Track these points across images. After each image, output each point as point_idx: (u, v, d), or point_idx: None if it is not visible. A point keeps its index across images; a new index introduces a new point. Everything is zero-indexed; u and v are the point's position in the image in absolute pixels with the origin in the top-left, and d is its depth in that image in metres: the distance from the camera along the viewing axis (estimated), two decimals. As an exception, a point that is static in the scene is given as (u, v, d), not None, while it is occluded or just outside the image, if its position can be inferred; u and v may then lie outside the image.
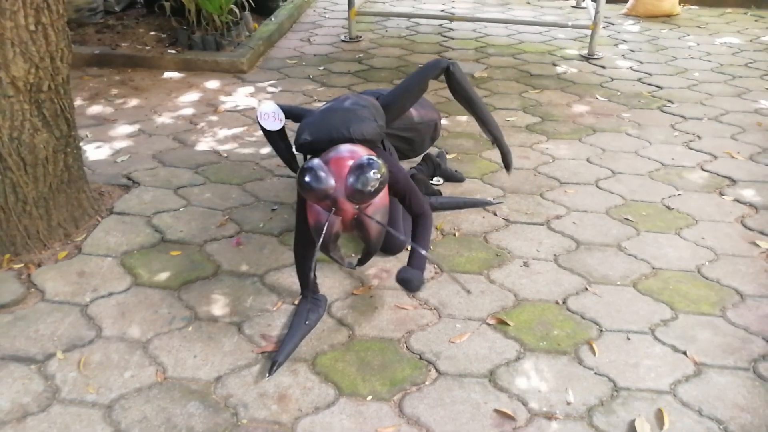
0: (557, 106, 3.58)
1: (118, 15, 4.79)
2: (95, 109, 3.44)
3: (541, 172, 2.87)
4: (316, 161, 1.70)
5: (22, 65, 1.99)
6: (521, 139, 3.18)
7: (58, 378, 1.74)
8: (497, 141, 2.32)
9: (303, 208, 1.89)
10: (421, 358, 1.84)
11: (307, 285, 1.96)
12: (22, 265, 2.16)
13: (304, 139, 1.95)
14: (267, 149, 3.01)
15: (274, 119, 2.17)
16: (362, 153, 1.77)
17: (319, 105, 3.66)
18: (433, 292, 2.09)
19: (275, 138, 2.31)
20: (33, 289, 2.06)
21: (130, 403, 1.68)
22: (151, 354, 1.84)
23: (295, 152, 2.21)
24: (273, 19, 4.75)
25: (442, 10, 5.57)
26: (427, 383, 1.76)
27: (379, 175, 1.67)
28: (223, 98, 3.65)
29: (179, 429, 1.61)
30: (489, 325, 1.97)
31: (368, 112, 1.98)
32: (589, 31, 4.46)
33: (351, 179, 1.66)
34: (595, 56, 4.39)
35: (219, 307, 2.02)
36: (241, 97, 3.67)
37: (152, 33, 4.40)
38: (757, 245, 2.37)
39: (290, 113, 2.26)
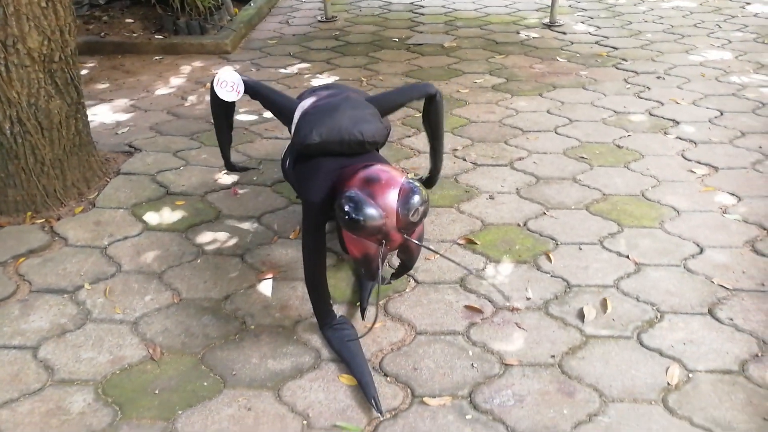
0: (521, 69, 3.88)
1: (104, 7, 5.02)
2: (91, 90, 3.68)
3: (506, 123, 3.17)
4: (358, 194, 1.55)
5: (36, 37, 2.24)
6: (488, 97, 3.48)
7: (88, 303, 2.01)
8: (435, 168, 2.22)
9: (319, 235, 1.78)
10: (401, 273, 2.14)
11: (329, 313, 1.87)
12: (43, 220, 2.42)
13: (313, 140, 1.77)
14: (252, 115, 3.28)
15: (231, 89, 2.01)
16: (394, 174, 1.61)
17: (300, 88, 3.91)
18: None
19: (221, 112, 2.12)
20: (57, 238, 2.32)
21: (152, 319, 1.96)
22: (166, 282, 2.11)
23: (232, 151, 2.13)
24: (252, 3, 5.00)
25: (413, -10, 5.85)
26: (407, 290, 2.05)
27: (425, 201, 1.58)
28: (210, 76, 3.91)
29: (196, 335, 1.89)
30: (459, 244, 2.26)
31: (373, 113, 1.87)
32: (549, 1, 4.76)
33: (403, 211, 1.55)
34: (557, 24, 4.69)
35: (223, 243, 2.30)
36: (228, 74, 3.94)
37: (138, 21, 4.64)
38: (694, 172, 2.69)
39: (253, 90, 2.05)
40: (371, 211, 1.53)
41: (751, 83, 3.57)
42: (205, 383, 1.73)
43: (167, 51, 4.25)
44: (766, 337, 1.83)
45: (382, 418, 1.62)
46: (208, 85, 3.74)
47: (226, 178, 2.70)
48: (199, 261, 2.20)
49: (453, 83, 3.68)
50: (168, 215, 2.46)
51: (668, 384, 1.68)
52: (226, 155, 2.26)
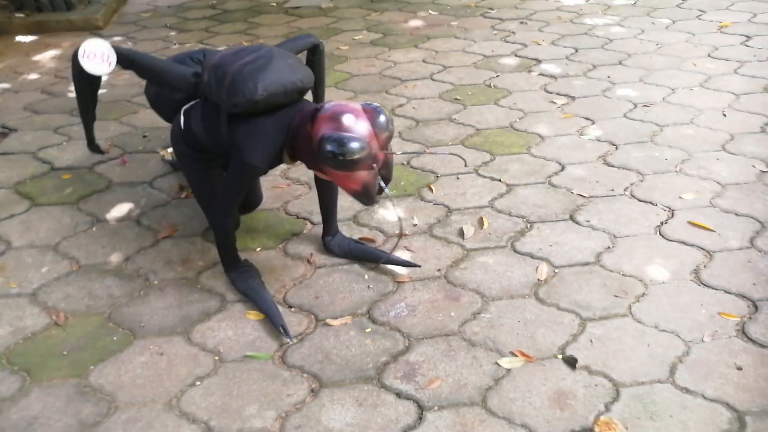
0: (396, 23, 4.05)
1: (-48, -11, 4.65)
2: (-49, 78, 3.46)
3: (385, 75, 3.33)
4: (338, 134, 1.60)
5: None
6: (367, 52, 3.62)
7: (-20, 282, 1.98)
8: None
9: (242, 193, 1.84)
10: (297, 217, 2.26)
11: (235, 258, 1.96)
12: None
13: (260, 95, 1.71)
14: (133, 88, 3.23)
15: (102, 61, 1.81)
16: (350, 104, 1.69)
17: (175, 51, 3.86)
18: (304, 172, 2.50)
19: (86, 87, 1.97)
20: (-65, 224, 2.24)
21: (52, 288, 1.97)
22: (63, 252, 2.11)
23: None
24: (120, -23, 4.82)
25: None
26: (304, 231, 2.18)
27: (387, 115, 1.67)
28: (83, 54, 3.77)
29: (100, 297, 1.93)
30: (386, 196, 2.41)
31: (299, 60, 1.88)
32: (420, -41, 4.94)
33: (379, 131, 1.64)
34: (428, -20, 4.89)
35: (117, 210, 2.31)
36: (102, 50, 3.81)
37: (-5, 1, 4.35)
38: (555, 102, 2.98)
39: (128, 59, 1.86)
40: (356, 144, 1.59)
41: (601, 23, 3.94)
42: (115, 338, 1.78)
43: (32, 30, 4.03)
44: (615, 231, 2.12)
45: (291, 343, 1.75)
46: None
47: (113, 150, 2.68)
48: (94, 229, 2.21)
49: (333, 41, 3.78)
50: (55, 189, 2.42)
51: (538, 280, 1.93)
52: (90, 135, 2.13)
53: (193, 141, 1.93)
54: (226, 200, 1.84)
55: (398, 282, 1.94)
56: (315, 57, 2.10)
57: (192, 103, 1.95)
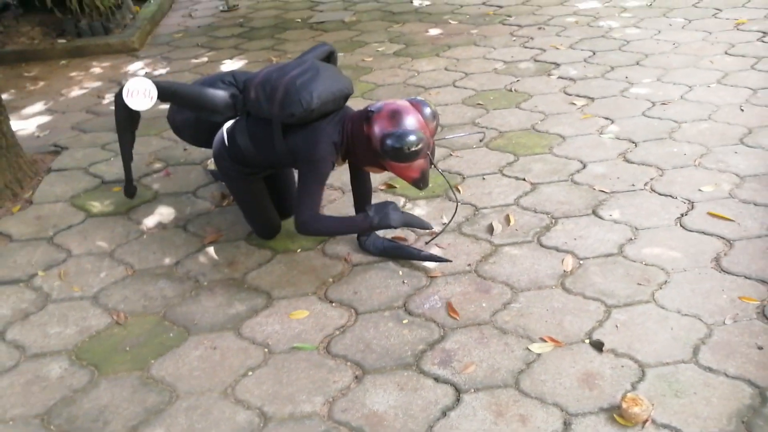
0: (417, 34, 4.19)
1: (-5, 19, 4.92)
2: None
3: (410, 83, 3.47)
4: (398, 130, 1.79)
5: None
6: (390, 62, 3.76)
7: (45, 287, 2.15)
8: None
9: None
10: (332, 220, 2.39)
11: (358, 221, 2.01)
12: (-18, 223, 2.51)
13: (315, 104, 1.87)
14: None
15: (144, 96, 1.97)
16: (399, 101, 1.88)
17: (211, 71, 4.03)
18: (337, 177, 2.63)
19: (128, 124, 2.13)
20: None
21: (111, 291, 2.13)
22: (118, 258, 2.27)
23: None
24: (151, 1, 5.05)
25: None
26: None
27: (431, 104, 1.88)
28: (123, 74, 3.98)
29: (155, 298, 2.08)
30: (381, 190, 2.54)
31: (338, 69, 2.06)
32: (437, -30, 5.08)
33: (429, 120, 1.85)
34: (446, -10, 5.03)
35: (164, 218, 2.47)
36: (140, 70, 4.03)
37: (37, 27, 4.60)
38: (575, 104, 3.08)
39: (169, 91, 2.00)
40: (414, 137, 1.78)
41: (617, 25, 4.03)
42: (171, 335, 1.93)
43: (73, 54, 4.26)
44: (636, 224, 2.22)
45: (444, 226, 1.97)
46: (123, 82, 3.83)
47: (157, 163, 2.85)
48: (145, 237, 2.37)
49: (357, 54, 3.94)
50: (107, 201, 2.60)
51: (564, 271, 2.03)
52: (129, 175, 2.29)
53: (238, 156, 2.08)
54: (309, 201, 1.94)
55: (431, 277, 2.06)
56: (330, 61, 2.28)
57: (232, 122, 2.10)
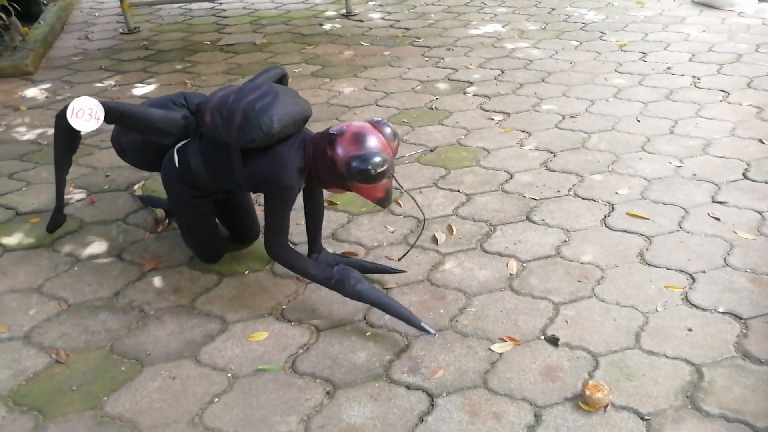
0: (332, 55, 4.26)
1: None
2: None
3: (332, 103, 3.51)
4: (362, 153, 1.78)
5: None
6: (310, 83, 3.79)
7: (-34, 331, 1.95)
8: None
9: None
10: (277, 240, 2.37)
11: (325, 269, 1.98)
12: None
13: (276, 128, 1.84)
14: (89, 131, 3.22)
15: (90, 117, 1.86)
16: (359, 123, 1.88)
17: (126, 99, 3.87)
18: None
19: (67, 148, 2.01)
20: None
21: (45, 329, 1.97)
22: (47, 293, 2.11)
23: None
24: (42, 22, 4.74)
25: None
26: (287, 252, 2.30)
27: (390, 124, 1.93)
28: (20, 99, 3.70)
29: (98, 332, 1.95)
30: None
31: (296, 92, 2.02)
32: (343, -6, 5.21)
33: (391, 141, 1.87)
34: (353, 13, 5.15)
35: (96, 248, 2.33)
36: (39, 94, 3.76)
37: None
38: (493, 119, 3.27)
39: (118, 112, 1.88)
40: (380, 157, 1.78)
41: (519, 46, 4.33)
42: (123, 368, 1.82)
43: (-43, 79, 3.90)
44: (567, 227, 2.39)
45: (435, 336, 1.86)
46: (22, 108, 3.55)
47: (77, 192, 2.68)
48: (76, 268, 2.22)
49: (275, 75, 3.92)
50: (26, 234, 2.40)
51: (510, 274, 2.15)
52: (60, 202, 2.15)
53: (189, 179, 2.01)
54: (280, 230, 1.92)
55: (387, 288, 2.10)
56: (282, 84, 2.26)
57: (183, 142, 2.04)
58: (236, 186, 1.98)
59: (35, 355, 1.87)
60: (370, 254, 2.27)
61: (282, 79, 2.23)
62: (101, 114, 1.86)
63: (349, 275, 1.94)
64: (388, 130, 1.89)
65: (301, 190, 2.14)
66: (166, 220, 2.46)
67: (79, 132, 1.95)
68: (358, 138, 1.83)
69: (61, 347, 1.89)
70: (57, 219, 2.23)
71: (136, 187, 2.67)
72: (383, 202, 1.92)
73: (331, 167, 1.87)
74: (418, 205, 1.96)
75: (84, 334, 1.94)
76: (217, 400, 1.71)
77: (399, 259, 2.18)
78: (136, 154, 2.17)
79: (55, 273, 2.20)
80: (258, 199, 2.59)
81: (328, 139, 1.87)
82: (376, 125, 1.89)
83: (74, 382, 1.77)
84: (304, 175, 1.94)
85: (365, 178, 1.79)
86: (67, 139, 1.98)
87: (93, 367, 1.82)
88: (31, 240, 2.37)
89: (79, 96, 1.91)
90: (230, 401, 1.70)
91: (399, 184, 1.97)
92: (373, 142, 1.83)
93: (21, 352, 1.88)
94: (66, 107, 1.88)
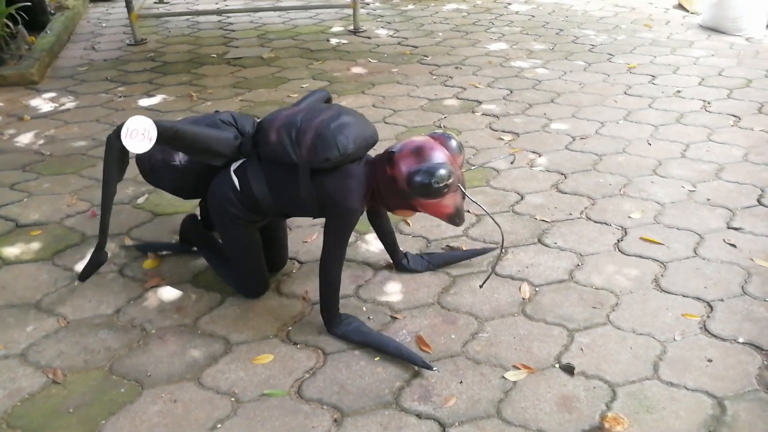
0: (339, 71, 4.23)
1: None
2: None
3: (340, 119, 3.47)
4: (423, 166, 1.72)
5: None
6: (317, 99, 3.76)
7: (-39, 347, 1.88)
8: None
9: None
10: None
11: (338, 312, 1.94)
12: None
13: (351, 150, 1.80)
14: (86, 141, 3.18)
15: (143, 138, 1.73)
16: (420, 137, 1.83)
17: (130, 110, 3.83)
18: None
19: (116, 171, 1.86)
20: None
21: (42, 347, 1.90)
22: (46, 309, 2.04)
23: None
24: (48, 31, 4.72)
25: (217, 6, 5.94)
26: (294, 271, 2.23)
27: (455, 136, 1.85)
28: (24, 108, 3.66)
29: (97, 351, 1.89)
30: (329, 225, 2.50)
31: (362, 115, 1.97)
32: (351, 10, 5.19)
33: (456, 152, 1.80)
34: (361, 30, 5.14)
35: (96, 263, 2.26)
36: (44, 103, 3.72)
37: None
38: (502, 139, 3.23)
39: (171, 132, 1.77)
40: (444, 170, 1.71)
41: (527, 66, 4.31)
42: (122, 390, 1.75)
43: (-39, 88, 3.86)
44: (580, 250, 2.34)
45: (438, 372, 1.78)
46: (26, 117, 3.51)
47: (80, 203, 2.62)
48: (76, 284, 2.16)
49: (281, 90, 3.89)
50: (26, 246, 2.34)
51: (523, 299, 2.09)
52: (104, 238, 1.96)
53: (250, 202, 1.91)
54: (338, 253, 1.86)
55: (396, 311, 2.04)
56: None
57: (238, 164, 1.93)
58: (299, 209, 1.90)
59: (32, 374, 1.80)
60: (378, 274, 2.21)
61: (329, 101, 2.16)
62: (154, 134, 1.74)
63: (351, 323, 1.92)
64: (453, 143, 1.81)
65: (367, 214, 2.10)
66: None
67: (128, 154, 1.83)
68: (419, 151, 1.76)
69: (58, 366, 1.82)
70: (98, 259, 2.02)
71: (124, 238, 2.43)
72: (454, 219, 1.85)
73: (393, 186, 1.80)
74: (497, 224, 1.87)
75: (83, 353, 1.87)
76: (220, 425, 1.64)
77: (480, 286, 2.09)
78: (172, 174, 2.01)
79: (55, 288, 2.14)
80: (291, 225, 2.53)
81: (387, 156, 1.80)
82: (438, 137, 1.82)
83: (71, 403, 1.70)
84: (367, 199, 1.87)
85: (428, 192, 1.72)
86: (118, 164, 1.84)
87: (91, 388, 1.75)
88: (31, 254, 2.31)
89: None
90: (234, 427, 1.63)
91: (472, 199, 1.86)
92: (436, 154, 1.75)
93: (17, 371, 1.81)
94: (119, 128, 1.74)
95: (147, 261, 2.17)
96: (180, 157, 2.01)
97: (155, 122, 1.75)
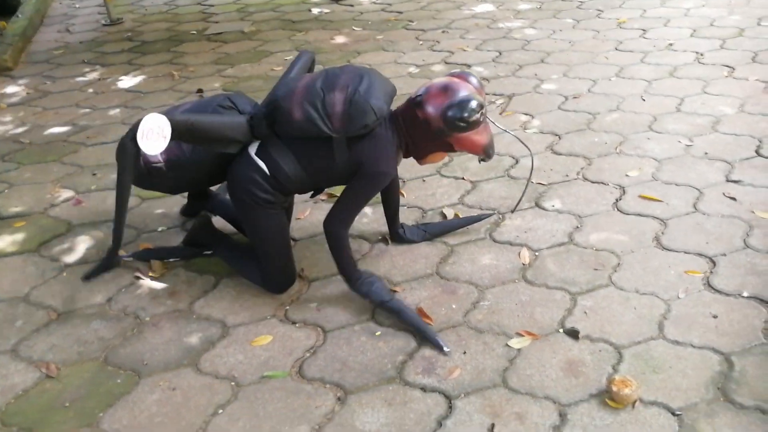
0: (323, 41, 4.12)
1: None
2: None
3: (326, 91, 3.39)
4: (455, 101, 1.76)
5: None
6: (302, 71, 3.66)
7: (-50, 345, 1.83)
8: None
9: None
10: (276, 236, 2.26)
11: (357, 269, 1.90)
12: None
13: (385, 110, 1.80)
14: (66, 127, 3.09)
15: (158, 136, 1.65)
16: (442, 77, 1.88)
17: (110, 93, 3.73)
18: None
19: (131, 174, 1.78)
20: None
21: (33, 341, 1.85)
22: (35, 302, 1.99)
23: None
24: (20, 15, 4.57)
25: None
26: (287, 249, 2.19)
27: (473, 72, 1.96)
28: (-2, 97, 3.56)
29: (91, 342, 1.84)
30: (323, 200, 2.44)
31: (376, 71, 1.93)
32: (331, -22, 5.05)
33: (479, 85, 1.87)
34: (342, -2, 5.01)
35: (84, 252, 2.20)
36: (20, 90, 3.62)
37: None
38: (494, 102, 3.16)
39: (184, 126, 1.69)
40: (475, 101, 1.77)
41: (515, 26, 4.21)
42: (119, 380, 1.71)
43: (-67, 78, 3.74)
44: (579, 212, 2.29)
45: (447, 352, 1.72)
46: (2, 105, 3.41)
47: (63, 191, 2.55)
48: (65, 274, 2.10)
49: (264, 64, 3.79)
50: (9, 238, 2.28)
51: (523, 264, 2.05)
52: (118, 243, 1.95)
53: (279, 184, 1.84)
54: (352, 211, 1.85)
55: (394, 284, 1.99)
56: (312, 66, 2.15)
57: (256, 146, 1.84)
58: (335, 179, 1.88)
59: (24, 370, 1.75)
60: (374, 247, 2.17)
61: (313, 61, 2.14)
62: (168, 131, 1.65)
63: (374, 281, 1.87)
64: (473, 79, 1.88)
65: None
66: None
67: (139, 154, 1.73)
68: (446, 89, 1.80)
69: (51, 360, 1.78)
70: (109, 263, 2.04)
71: (120, 252, 2.24)
72: (489, 149, 1.90)
73: (427, 129, 1.83)
74: (522, 141, 2.01)
75: (76, 345, 1.83)
76: (221, 411, 1.60)
77: (512, 211, 2.26)
78: (175, 172, 1.89)
79: (43, 280, 2.08)
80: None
81: (414, 102, 1.83)
82: (459, 75, 1.88)
83: (67, 397, 1.66)
84: (401, 152, 1.90)
85: (465, 124, 1.77)
86: (132, 166, 1.75)
87: (86, 381, 1.71)
88: (15, 246, 2.25)
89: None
90: (235, 412, 1.60)
91: (500, 126, 1.97)
92: (462, 89, 1.80)
93: (8, 367, 1.77)
94: (133, 130, 1.66)
95: (154, 270, 2.10)
96: (163, 156, 1.88)
97: (169, 118, 1.67)
